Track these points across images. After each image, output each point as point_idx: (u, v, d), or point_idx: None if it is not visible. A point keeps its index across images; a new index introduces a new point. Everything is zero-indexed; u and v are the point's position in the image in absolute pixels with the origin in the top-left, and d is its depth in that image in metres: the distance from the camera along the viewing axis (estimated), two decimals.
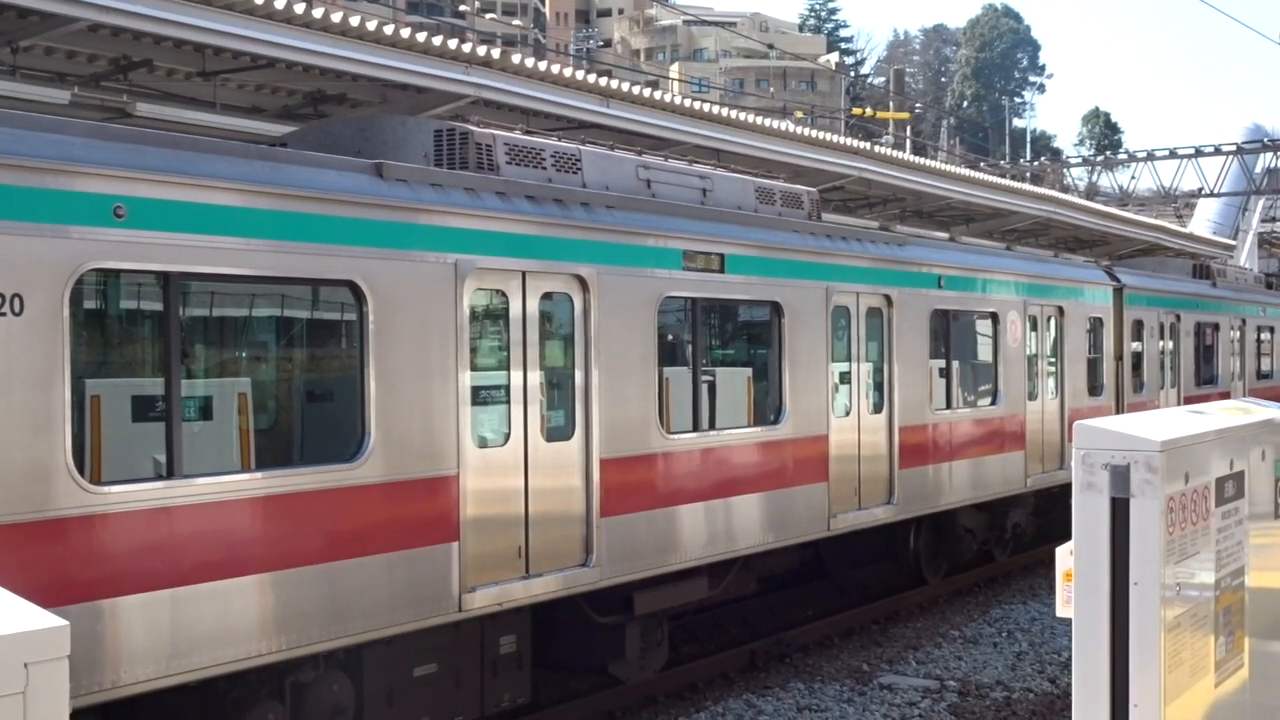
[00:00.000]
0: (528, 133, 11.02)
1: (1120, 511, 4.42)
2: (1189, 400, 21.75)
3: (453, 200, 9.43)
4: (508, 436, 9.75)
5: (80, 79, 11.18)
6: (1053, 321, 18.17)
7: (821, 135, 18.71)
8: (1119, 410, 19.71)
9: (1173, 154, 37.82)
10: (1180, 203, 42.48)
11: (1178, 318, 22.29)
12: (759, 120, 17.03)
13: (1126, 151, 47.39)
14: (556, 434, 10.21)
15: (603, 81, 14.13)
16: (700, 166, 12.71)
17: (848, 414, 13.68)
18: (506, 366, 9.82)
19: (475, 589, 9.35)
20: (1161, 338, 21.83)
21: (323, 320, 9.44)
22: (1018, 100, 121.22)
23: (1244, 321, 25.65)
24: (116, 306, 8.24)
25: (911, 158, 23.51)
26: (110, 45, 10.73)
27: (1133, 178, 40.84)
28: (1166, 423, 4.88)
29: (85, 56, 10.98)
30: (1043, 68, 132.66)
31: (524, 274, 9.92)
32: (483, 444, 9.58)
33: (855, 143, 20.33)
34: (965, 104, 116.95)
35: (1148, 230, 31.06)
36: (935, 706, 12.16)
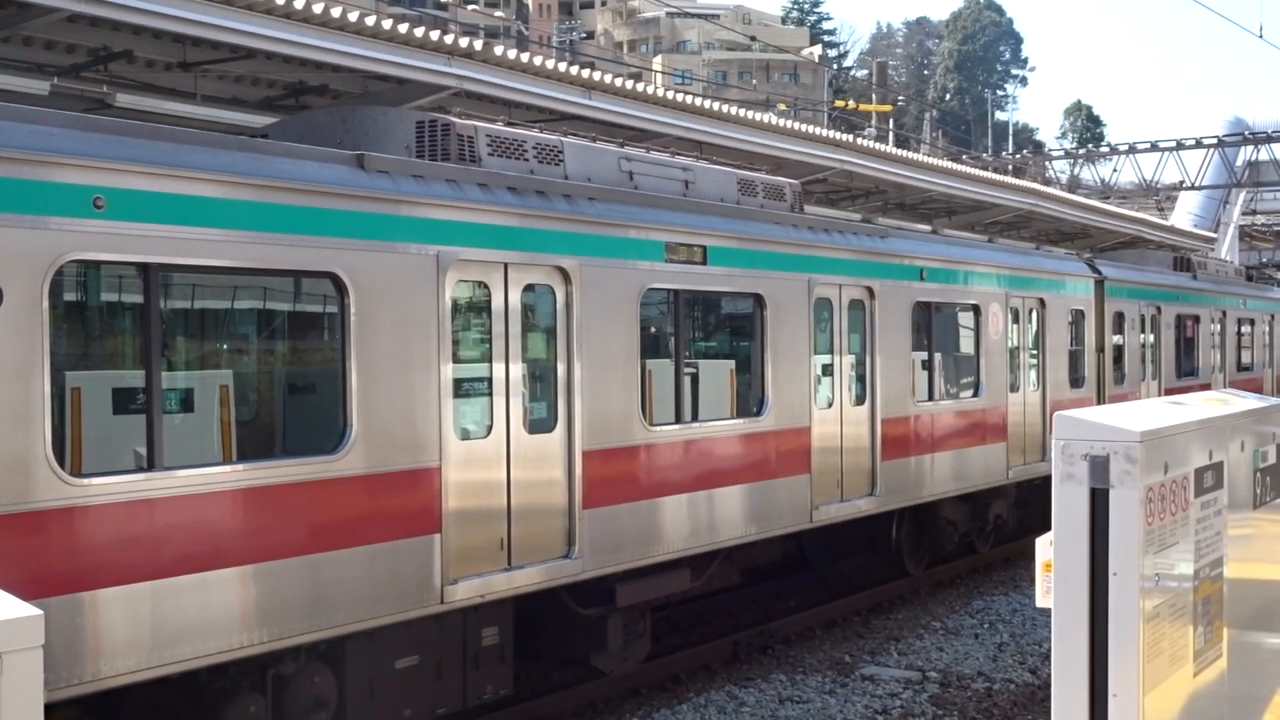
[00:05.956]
0: (510, 124, 11.01)
1: (1100, 502, 4.43)
2: (1170, 392, 21.82)
3: (434, 192, 9.41)
4: (490, 428, 9.74)
5: (60, 69, 11.12)
6: (1034, 314, 18.22)
7: (804, 128, 18.72)
8: (1100, 402, 19.78)
9: (1154, 147, 37.93)
10: (1161, 196, 42.63)
11: (1159, 310, 22.38)
12: (742, 112, 17.03)
13: (1108, 144, 47.58)
14: (539, 426, 10.20)
15: (585, 73, 14.11)
16: (682, 158, 12.70)
17: (830, 406, 13.71)
18: (489, 358, 9.81)
19: (457, 581, 9.35)
20: (1142, 330, 21.90)
21: (304, 312, 9.41)
22: (1000, 93, 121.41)
23: (1224, 314, 25.75)
24: (97, 298, 8.21)
25: (894, 150, 23.54)
26: (89, 35, 10.67)
27: (1114, 170, 41.02)
28: (1146, 414, 4.90)
29: (64, 47, 10.91)
30: (1025, 61, 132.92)
31: (506, 266, 9.91)
32: (465, 436, 9.57)
33: (838, 135, 20.34)
34: (948, 97, 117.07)
35: (1129, 223, 31.17)
36: (917, 698, 12.20)
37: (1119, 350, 21.05)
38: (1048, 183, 39.66)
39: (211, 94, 12.12)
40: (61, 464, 7.23)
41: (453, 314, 9.49)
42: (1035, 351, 18.24)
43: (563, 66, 13.96)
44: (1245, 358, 27.47)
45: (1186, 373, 23.62)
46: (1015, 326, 17.66)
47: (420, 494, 9.14)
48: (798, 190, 14.03)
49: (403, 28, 11.83)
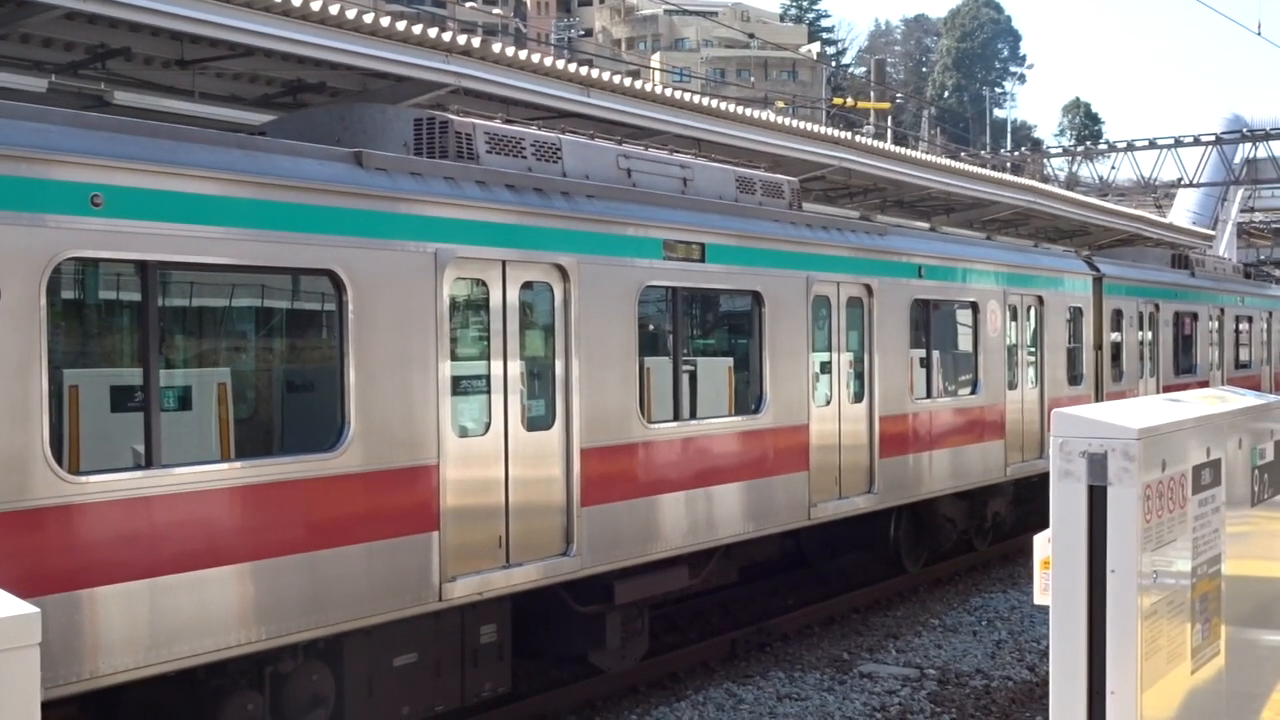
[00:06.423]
0: (508, 122, 11.00)
1: (1098, 499, 4.43)
2: (1168, 389, 21.82)
3: (433, 189, 9.40)
4: (488, 426, 9.74)
5: (58, 67, 11.11)
6: (1032, 311, 18.22)
7: (802, 125, 18.71)
8: (1098, 399, 19.77)
9: (1152, 144, 37.95)
10: (1160, 193, 42.67)
11: (1157, 307, 22.38)
12: (740, 110, 17.02)
13: (1106, 142, 47.56)
14: (537, 423, 10.20)
15: (583, 71, 14.10)
16: (681, 156, 12.69)
17: (828, 403, 13.70)
18: (487, 356, 9.80)
19: (456, 578, 9.34)
20: (1141, 327, 21.90)
21: (302, 310, 9.41)
22: (998, 90, 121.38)
23: (1222, 311, 25.76)
24: (94, 296, 8.20)
25: (892, 148, 23.54)
26: (87, 33, 10.67)
27: (1113, 168, 41.01)
28: (1144, 411, 4.90)
29: (62, 44, 10.91)
30: (1023, 58, 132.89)
31: (504, 263, 9.91)
32: (463, 433, 9.56)
33: (836, 132, 20.34)
34: (946, 94, 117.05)
35: (1127, 220, 31.18)
36: (915, 695, 12.20)
37: (1117, 347, 21.05)
38: (1046, 180, 39.67)
39: (210, 91, 12.12)
40: (59, 462, 7.22)
41: (451, 311, 9.48)
42: (1033, 349, 18.24)
43: (561, 64, 13.95)
44: (1243, 355, 27.48)
45: (1184, 370, 23.63)
46: (1013, 324, 17.66)
47: (418, 491, 9.14)
48: (796, 188, 14.03)
49: (401, 25, 11.83)
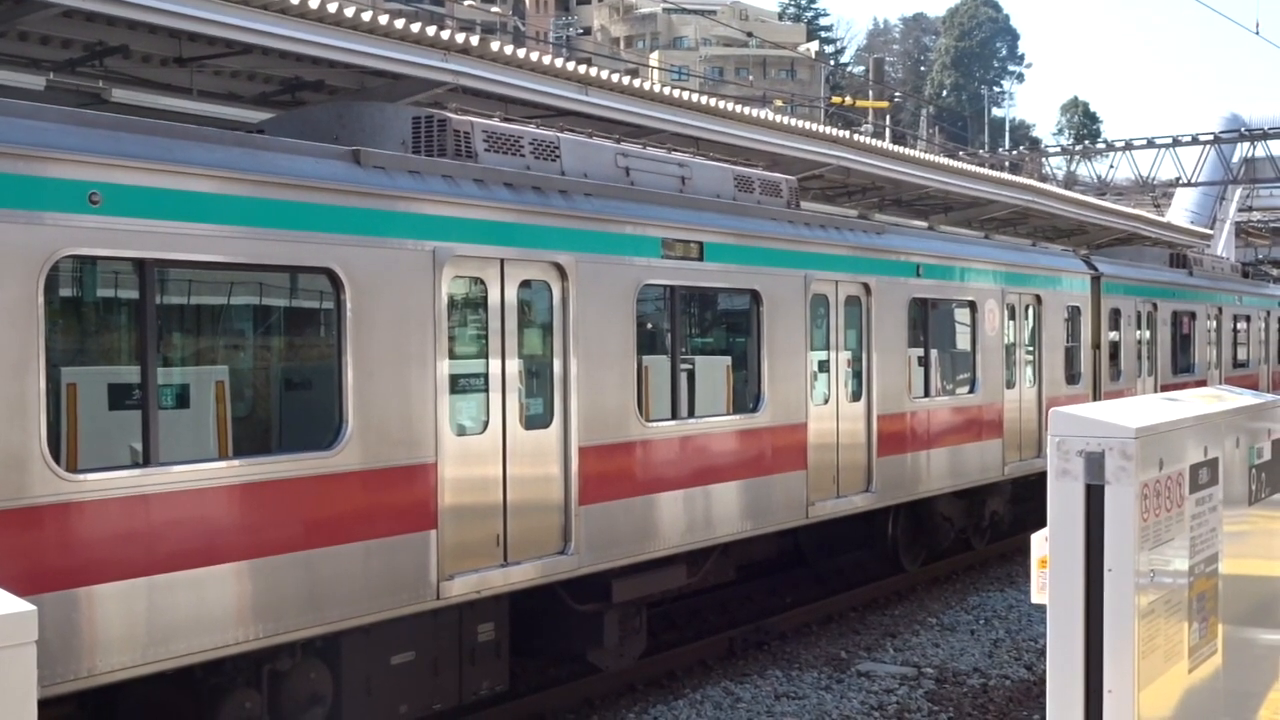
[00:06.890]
0: (506, 120, 10.99)
1: (1095, 498, 4.43)
2: (1166, 389, 21.83)
3: (431, 188, 9.40)
4: (486, 424, 9.74)
5: (55, 65, 11.10)
6: (1030, 310, 18.23)
7: (801, 124, 18.71)
8: (1096, 398, 19.77)
9: (1151, 143, 37.95)
10: (1158, 192, 42.69)
11: (1155, 306, 22.38)
12: (738, 108, 17.01)
13: (1105, 141, 47.59)
14: (535, 422, 10.20)
15: (582, 69, 14.09)
16: (679, 154, 12.69)
17: (826, 402, 13.71)
18: (485, 354, 9.80)
19: (453, 577, 9.35)
20: (1139, 326, 21.91)
21: (300, 308, 9.40)
22: (997, 89, 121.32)
23: (1220, 310, 25.77)
24: (92, 294, 8.20)
25: (891, 146, 23.53)
26: (85, 30, 10.66)
27: (1111, 167, 41.03)
28: (1141, 410, 4.90)
29: (60, 42, 10.90)
30: (1021, 57, 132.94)
31: (502, 262, 9.91)
32: (461, 432, 9.56)
33: (834, 131, 20.33)
34: (944, 93, 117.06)
35: (1125, 219, 31.16)
36: (912, 694, 12.21)
37: (1115, 347, 21.05)
38: (1044, 179, 39.69)
39: (207, 89, 12.11)
40: (57, 460, 7.22)
41: (449, 310, 9.49)
42: (1031, 348, 18.25)
43: (559, 62, 13.94)
44: (1241, 354, 27.49)
45: (1182, 369, 23.64)
46: (1011, 323, 17.67)
47: (416, 490, 9.14)
48: (794, 186, 14.03)
49: (399, 23, 11.82)
